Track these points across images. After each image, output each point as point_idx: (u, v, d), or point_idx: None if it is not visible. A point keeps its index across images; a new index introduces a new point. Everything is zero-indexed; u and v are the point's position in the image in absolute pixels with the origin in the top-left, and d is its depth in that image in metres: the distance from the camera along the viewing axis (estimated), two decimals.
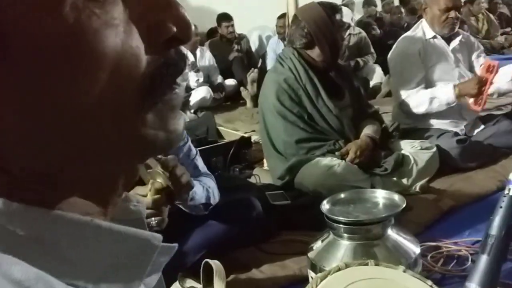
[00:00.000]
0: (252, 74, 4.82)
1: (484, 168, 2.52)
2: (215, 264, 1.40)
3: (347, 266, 1.00)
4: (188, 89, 4.34)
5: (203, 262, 1.47)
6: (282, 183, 2.37)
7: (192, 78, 4.40)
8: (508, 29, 7.45)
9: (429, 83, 2.70)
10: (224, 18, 5.56)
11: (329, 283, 0.96)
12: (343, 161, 2.28)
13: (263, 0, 6.11)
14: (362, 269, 1.00)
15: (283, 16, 4.64)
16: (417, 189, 2.30)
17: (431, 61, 2.68)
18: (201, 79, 4.46)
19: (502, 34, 7.19)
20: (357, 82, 2.60)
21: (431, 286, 0.96)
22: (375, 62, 5.01)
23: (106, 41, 0.31)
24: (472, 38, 2.96)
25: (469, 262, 1.68)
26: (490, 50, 6.11)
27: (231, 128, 4.01)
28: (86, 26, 0.30)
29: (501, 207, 0.79)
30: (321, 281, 0.97)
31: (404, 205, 1.45)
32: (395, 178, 2.33)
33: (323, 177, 2.16)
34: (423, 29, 2.77)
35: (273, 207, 2.11)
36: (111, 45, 0.31)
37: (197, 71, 4.37)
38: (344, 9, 5.06)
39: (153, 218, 1.36)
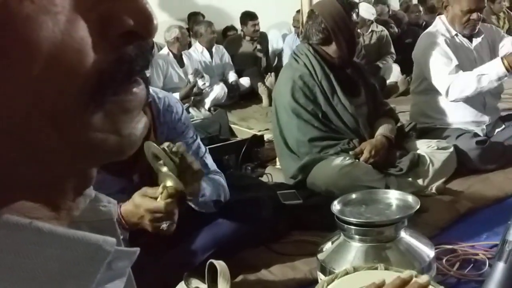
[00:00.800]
0: (270, 79, 4.75)
1: (503, 169, 2.44)
2: (219, 264, 1.37)
3: (355, 270, 0.96)
4: (200, 89, 4.31)
5: (208, 262, 1.44)
6: (294, 182, 2.33)
7: (198, 83, 4.36)
8: None
9: None
10: (250, 16, 5.42)
11: (336, 287, 0.92)
12: (357, 160, 2.23)
13: None
14: (371, 273, 0.96)
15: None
16: (433, 190, 2.24)
17: (456, 54, 2.59)
18: (208, 83, 4.42)
19: None
20: (373, 79, 2.53)
21: None
22: (394, 61, 4.93)
23: (40, 30, 0.27)
24: (494, 28, 2.84)
25: (486, 267, 1.62)
26: None
27: (245, 126, 3.97)
28: (15, 11, 0.26)
29: None
30: (327, 285, 0.93)
31: (418, 207, 1.40)
32: (410, 179, 2.27)
33: (336, 176, 2.11)
34: (445, 26, 2.69)
35: (284, 206, 2.07)
36: (47, 35, 0.27)
37: (201, 77, 4.32)
38: (365, 5, 4.98)
39: (164, 222, 1.33)
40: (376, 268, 0.97)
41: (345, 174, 2.12)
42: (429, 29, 2.80)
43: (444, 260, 1.65)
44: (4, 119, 0.28)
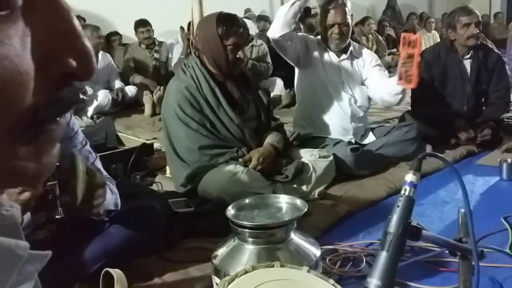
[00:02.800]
0: (159, 93, 4.68)
1: (375, 175, 2.70)
2: (116, 273, 1.34)
3: (254, 268, 1.02)
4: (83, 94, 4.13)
5: (103, 272, 1.40)
6: (185, 191, 2.34)
7: None
8: (394, 50, 8.09)
9: (324, 91, 2.86)
10: (140, 23, 5.43)
11: (236, 285, 0.96)
12: (247, 168, 2.32)
13: (168, 7, 6.06)
14: (269, 271, 1.02)
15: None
16: (316, 195, 2.40)
17: (322, 67, 2.85)
18: (90, 92, 4.28)
19: (389, 54, 7.81)
20: (267, 97, 2.63)
21: (333, 284, 1.00)
22: (276, 75, 5.16)
23: None
24: (365, 50, 3.14)
25: (364, 264, 1.78)
26: None
27: (131, 134, 3.89)
28: None
29: (398, 206, 0.85)
30: (228, 284, 0.97)
31: (306, 209, 1.50)
32: (295, 185, 2.41)
33: (227, 183, 2.17)
34: (318, 41, 2.95)
35: (176, 214, 2.07)
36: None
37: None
38: (247, 21, 5.18)
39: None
40: (273, 266, 1.04)
41: (236, 181, 2.19)
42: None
43: (327, 259, 1.78)
44: None
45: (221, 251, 1.50)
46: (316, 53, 2.90)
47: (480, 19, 3.23)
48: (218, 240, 1.83)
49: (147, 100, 4.75)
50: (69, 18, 0.31)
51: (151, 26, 5.46)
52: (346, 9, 2.82)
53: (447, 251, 1.57)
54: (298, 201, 1.56)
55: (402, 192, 0.87)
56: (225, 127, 2.40)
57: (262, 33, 5.86)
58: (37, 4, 0.30)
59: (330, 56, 2.91)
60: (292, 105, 4.71)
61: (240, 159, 2.36)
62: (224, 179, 2.19)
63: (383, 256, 0.78)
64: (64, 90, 0.32)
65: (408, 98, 3.33)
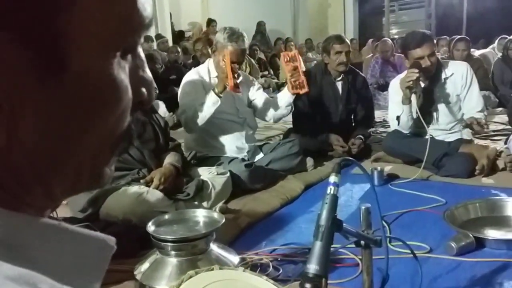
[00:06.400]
0: None
1: (267, 189, 2.91)
2: None
3: (197, 273, 1.11)
4: None
5: None
6: (84, 216, 2.30)
7: None
8: (266, 72, 8.60)
9: (220, 118, 3.01)
10: None
11: None
12: (149, 188, 2.36)
13: None
14: (210, 274, 1.12)
15: None
16: (217, 210, 2.52)
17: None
18: None
19: (262, 77, 8.28)
20: (163, 119, 2.71)
21: (267, 280, 1.14)
22: (159, 99, 5.19)
23: (127, 91, 0.37)
24: (249, 76, 3.39)
25: (271, 268, 1.93)
26: None
27: None
28: (119, 77, 0.36)
29: (326, 203, 1.02)
30: None
31: (223, 220, 1.62)
32: (196, 202, 2.51)
33: (133, 204, 2.20)
34: (208, 68, 3.08)
35: None
36: (127, 93, 0.37)
37: None
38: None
39: None
40: (213, 269, 1.14)
41: (142, 202, 2.22)
42: (195, 68, 3.21)
43: None
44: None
45: (144, 267, 1.55)
46: (202, 82, 3.01)
47: (351, 48, 3.67)
48: (128, 261, 1.87)
49: None
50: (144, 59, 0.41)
51: None
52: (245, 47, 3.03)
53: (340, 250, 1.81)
54: (215, 214, 1.67)
55: (328, 191, 1.04)
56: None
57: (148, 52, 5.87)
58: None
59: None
60: (176, 127, 4.79)
61: (141, 180, 2.40)
62: (130, 201, 2.21)
63: (317, 245, 0.94)
64: (136, 115, 0.40)
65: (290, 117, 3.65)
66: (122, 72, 0.36)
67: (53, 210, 0.39)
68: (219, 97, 2.81)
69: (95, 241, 0.38)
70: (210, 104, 2.84)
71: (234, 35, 2.92)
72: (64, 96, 0.33)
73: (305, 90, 3.00)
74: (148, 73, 0.41)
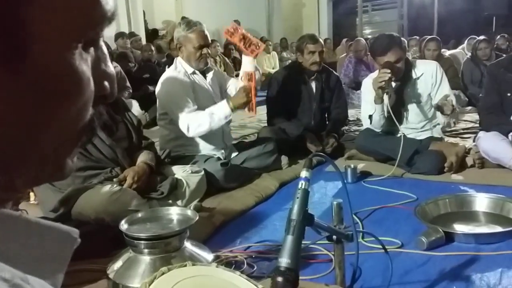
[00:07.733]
0: None
1: (242, 187, 2.91)
2: None
3: (169, 269, 1.11)
4: None
5: None
6: (56, 216, 2.26)
7: None
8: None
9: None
10: None
11: (157, 286, 1.05)
12: (123, 187, 2.34)
13: None
14: (183, 270, 1.12)
15: None
16: (191, 209, 2.51)
17: (195, 93, 2.97)
18: None
19: (236, 76, 8.27)
20: (136, 118, 2.68)
21: (240, 275, 1.14)
22: (133, 97, 5.14)
23: (89, 83, 0.37)
24: (221, 72, 3.39)
25: (245, 265, 1.94)
26: None
27: None
28: (80, 68, 0.36)
29: (297, 197, 1.03)
30: (149, 285, 1.04)
31: (197, 218, 1.61)
32: (170, 201, 2.50)
33: (106, 203, 2.17)
34: (182, 66, 3.03)
35: None
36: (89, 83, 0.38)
37: None
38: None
39: None
40: (186, 266, 1.14)
41: (115, 201, 2.20)
42: (169, 71, 3.06)
43: None
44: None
45: (116, 266, 1.54)
46: (186, 84, 2.95)
47: (324, 48, 3.70)
48: (102, 260, 1.85)
49: None
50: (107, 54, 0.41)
51: None
52: (207, 33, 3.01)
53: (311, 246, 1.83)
54: (189, 212, 1.67)
55: (299, 186, 1.05)
56: (97, 148, 2.39)
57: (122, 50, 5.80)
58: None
59: (198, 77, 3.04)
60: (150, 125, 4.75)
61: (114, 179, 2.37)
62: (103, 200, 2.18)
63: (289, 239, 0.95)
64: (97, 109, 0.40)
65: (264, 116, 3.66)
66: (84, 64, 0.37)
67: (15, 202, 0.39)
68: (232, 111, 2.85)
69: (57, 232, 0.38)
70: (223, 117, 2.85)
71: (190, 22, 2.95)
72: (25, 86, 0.33)
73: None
74: (111, 67, 0.41)
